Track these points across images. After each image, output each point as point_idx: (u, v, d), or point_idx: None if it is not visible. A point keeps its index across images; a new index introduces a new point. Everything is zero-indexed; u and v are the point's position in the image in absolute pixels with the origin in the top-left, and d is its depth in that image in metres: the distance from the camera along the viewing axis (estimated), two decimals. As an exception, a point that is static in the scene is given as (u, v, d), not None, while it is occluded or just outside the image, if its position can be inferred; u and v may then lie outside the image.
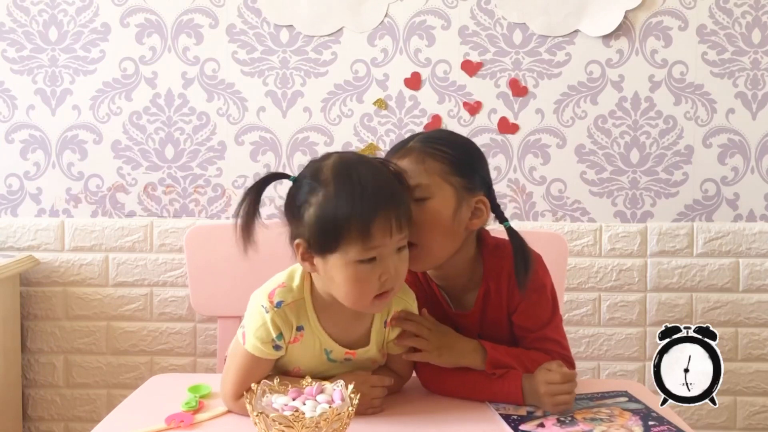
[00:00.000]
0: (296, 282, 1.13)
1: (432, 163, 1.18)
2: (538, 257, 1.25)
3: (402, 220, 1.06)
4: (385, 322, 1.19)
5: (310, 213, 1.06)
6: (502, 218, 1.23)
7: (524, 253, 1.19)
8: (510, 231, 1.22)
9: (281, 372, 1.18)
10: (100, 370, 1.96)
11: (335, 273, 1.06)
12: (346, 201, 1.03)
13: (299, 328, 1.13)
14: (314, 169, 1.09)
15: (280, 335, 1.11)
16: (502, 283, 1.23)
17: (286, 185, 1.13)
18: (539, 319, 1.24)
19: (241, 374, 1.13)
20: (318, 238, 1.05)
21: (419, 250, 1.17)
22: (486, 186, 1.22)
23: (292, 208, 1.09)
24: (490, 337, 1.25)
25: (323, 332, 1.14)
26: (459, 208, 1.18)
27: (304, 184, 1.08)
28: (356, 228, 1.02)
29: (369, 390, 1.14)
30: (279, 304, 1.11)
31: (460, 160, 1.20)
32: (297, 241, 1.08)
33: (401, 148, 1.22)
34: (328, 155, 1.11)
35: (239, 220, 1.08)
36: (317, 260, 1.08)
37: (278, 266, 1.17)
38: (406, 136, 1.88)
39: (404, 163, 1.18)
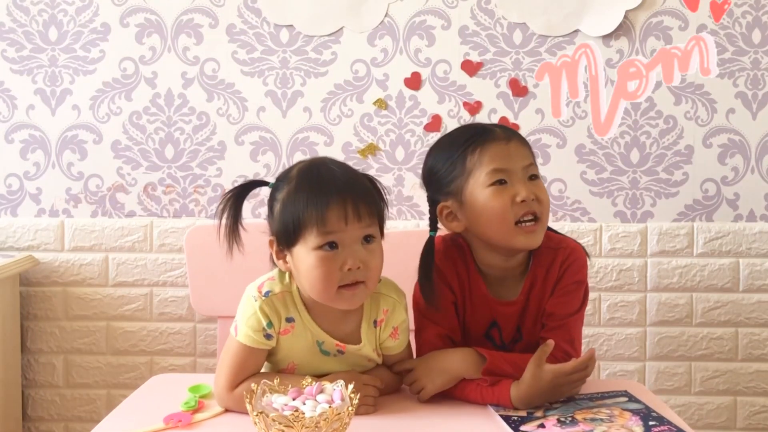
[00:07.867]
0: (286, 277, 1.17)
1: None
2: (584, 256, 1.27)
3: (361, 209, 1.09)
4: (375, 322, 1.19)
5: (277, 209, 1.12)
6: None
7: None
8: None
9: (276, 370, 1.20)
10: (100, 370, 1.96)
11: (300, 264, 1.11)
12: (304, 191, 1.09)
13: (289, 320, 1.15)
14: (285, 171, 1.16)
15: (270, 324, 1.14)
16: (551, 273, 1.24)
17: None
18: (567, 308, 1.24)
19: (234, 366, 1.15)
20: (283, 231, 1.11)
21: None
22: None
23: (268, 209, 1.16)
24: (529, 328, 1.26)
25: (313, 323, 1.16)
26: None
27: (273, 186, 1.15)
28: (312, 214, 1.07)
29: (361, 388, 1.14)
30: (267, 294, 1.15)
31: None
32: (270, 238, 1.15)
33: None
34: (303, 161, 1.18)
35: (222, 228, 1.15)
36: (288, 257, 1.13)
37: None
38: (406, 136, 1.93)
39: None
